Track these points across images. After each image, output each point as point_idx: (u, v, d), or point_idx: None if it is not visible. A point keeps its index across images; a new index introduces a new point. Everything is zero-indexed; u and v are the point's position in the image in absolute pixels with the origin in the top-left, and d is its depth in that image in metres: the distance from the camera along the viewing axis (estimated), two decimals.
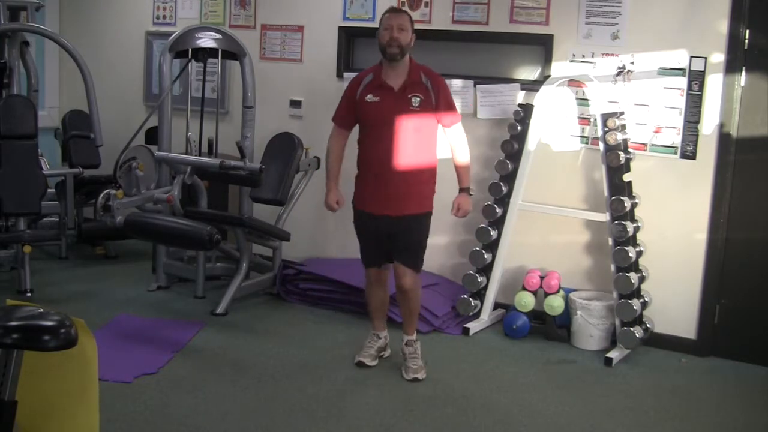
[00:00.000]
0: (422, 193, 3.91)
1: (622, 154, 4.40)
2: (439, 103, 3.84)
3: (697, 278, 4.50)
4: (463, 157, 3.97)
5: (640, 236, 4.56)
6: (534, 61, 4.94)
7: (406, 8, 5.13)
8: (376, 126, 3.83)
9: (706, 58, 4.37)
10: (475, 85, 5.00)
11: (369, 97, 3.83)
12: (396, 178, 3.83)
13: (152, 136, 5.41)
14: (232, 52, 5.23)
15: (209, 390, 3.73)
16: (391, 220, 3.86)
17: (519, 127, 4.77)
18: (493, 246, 4.83)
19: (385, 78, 3.82)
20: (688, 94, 4.43)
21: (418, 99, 3.79)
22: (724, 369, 4.37)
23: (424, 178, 3.90)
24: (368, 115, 3.85)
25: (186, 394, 3.67)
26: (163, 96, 5.12)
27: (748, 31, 4.29)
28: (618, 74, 4.59)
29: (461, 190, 3.99)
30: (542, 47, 4.83)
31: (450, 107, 3.92)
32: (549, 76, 4.74)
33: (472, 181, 4.98)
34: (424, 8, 5.14)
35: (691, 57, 4.40)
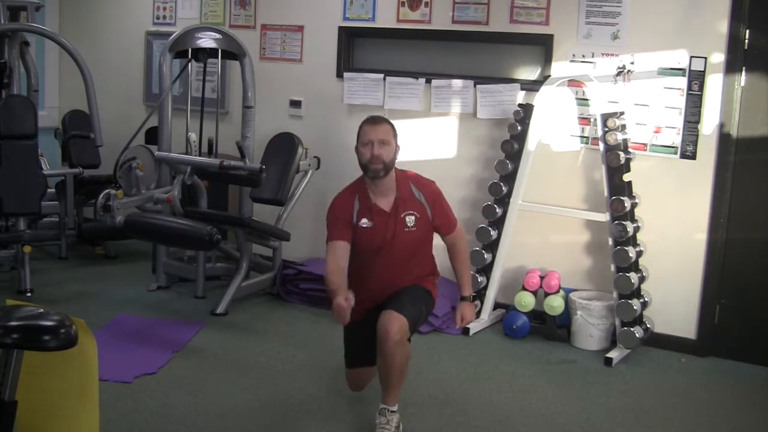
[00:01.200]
0: (425, 280, 3.54)
1: (622, 154, 4.40)
2: (435, 215, 3.45)
3: (697, 278, 4.50)
4: (464, 264, 3.61)
5: (640, 236, 4.56)
6: (534, 61, 4.94)
7: (406, 7, 5.14)
8: (368, 251, 3.41)
9: (706, 58, 4.37)
10: (475, 85, 5.00)
11: (364, 222, 3.38)
12: (391, 294, 3.39)
13: (152, 136, 5.42)
14: (232, 52, 5.23)
15: (209, 390, 3.73)
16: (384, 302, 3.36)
17: (519, 127, 4.77)
18: (493, 246, 4.83)
19: (374, 199, 3.39)
20: (688, 94, 4.43)
21: (413, 218, 3.39)
22: (724, 369, 4.37)
23: (428, 280, 3.55)
24: (362, 240, 3.40)
25: (186, 394, 3.67)
26: (163, 96, 5.12)
27: (748, 31, 4.29)
28: (618, 74, 4.60)
29: (463, 298, 3.57)
30: (542, 47, 4.83)
31: (447, 216, 3.52)
32: (549, 76, 4.74)
33: (472, 181, 5.02)
34: (424, 8, 5.14)
35: (691, 57, 4.40)
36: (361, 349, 3.46)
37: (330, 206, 3.51)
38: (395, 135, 3.41)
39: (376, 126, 3.38)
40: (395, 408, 3.30)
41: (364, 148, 3.35)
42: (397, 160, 3.41)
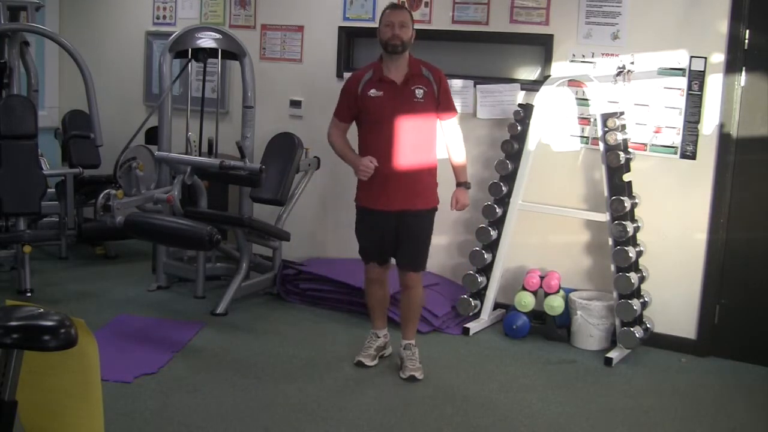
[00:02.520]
0: (429, 187, 3.93)
1: (622, 154, 4.40)
2: (440, 95, 3.88)
3: (697, 278, 4.50)
4: (460, 151, 4.01)
5: (640, 236, 4.56)
6: (534, 61, 4.94)
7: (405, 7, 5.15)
8: (380, 121, 3.83)
9: (706, 58, 4.37)
10: (475, 85, 5.00)
11: (372, 92, 3.83)
12: (403, 172, 3.82)
13: (152, 136, 5.41)
14: (232, 52, 5.23)
15: (209, 390, 3.73)
16: (399, 215, 3.86)
17: (519, 127, 4.77)
18: (493, 246, 4.83)
19: (387, 72, 3.84)
20: (688, 94, 4.43)
21: (422, 91, 3.82)
22: (724, 369, 4.37)
23: (428, 170, 3.91)
24: (372, 110, 3.84)
25: (186, 394, 3.67)
26: (163, 96, 5.12)
27: (748, 31, 4.29)
28: (618, 74, 4.59)
29: (459, 184, 4.01)
30: (542, 47, 4.83)
31: (449, 101, 3.95)
32: (549, 76, 4.74)
33: (472, 181, 5.00)
34: (424, 8, 5.14)
35: (691, 57, 4.40)
36: (375, 249, 3.96)
37: (347, 79, 4.01)
38: (413, 21, 3.87)
39: (397, 11, 3.88)
40: (413, 341, 4.04)
41: (386, 28, 3.80)
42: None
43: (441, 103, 3.90)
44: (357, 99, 3.87)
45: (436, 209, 3.99)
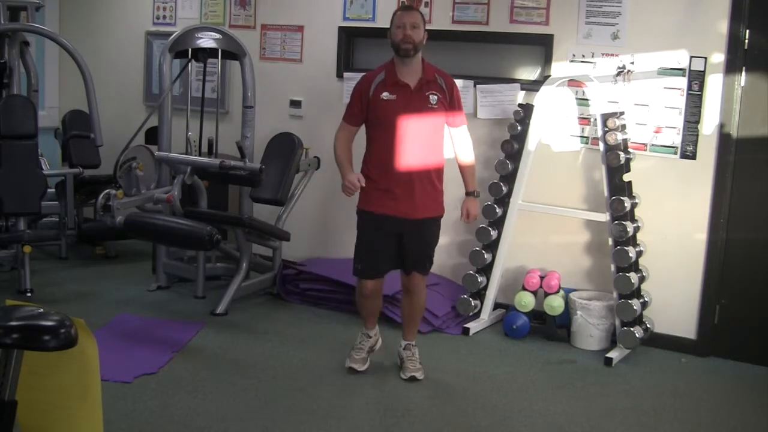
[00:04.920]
0: (437, 194, 3.85)
1: (622, 154, 4.40)
2: (452, 102, 3.82)
3: (697, 278, 4.50)
4: (469, 159, 3.95)
5: (640, 236, 4.56)
6: (534, 61, 4.94)
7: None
8: (391, 125, 3.73)
9: (706, 58, 4.37)
10: (475, 85, 5.00)
11: (385, 95, 3.73)
12: (413, 178, 3.74)
13: (152, 136, 5.41)
14: (232, 52, 5.23)
15: (209, 390, 3.73)
16: (406, 222, 3.77)
17: (519, 127, 4.77)
18: (493, 246, 4.83)
19: (400, 76, 3.75)
20: (688, 94, 4.43)
21: (436, 97, 3.75)
22: (724, 369, 4.37)
23: (437, 178, 3.84)
24: (384, 113, 3.74)
25: (186, 394, 3.67)
26: (163, 96, 5.12)
27: (748, 31, 4.29)
28: (618, 74, 4.59)
29: (468, 193, 3.96)
30: (542, 47, 4.83)
31: (460, 108, 3.90)
32: (549, 76, 4.74)
33: None
34: (424, 8, 5.13)
35: (691, 57, 4.40)
36: (376, 259, 3.85)
37: (359, 80, 3.89)
38: (424, 23, 3.79)
39: (408, 12, 3.80)
40: (414, 341, 4.00)
41: (398, 30, 3.72)
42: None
43: (453, 111, 3.83)
44: (369, 101, 3.77)
45: (441, 218, 3.92)
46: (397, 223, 3.77)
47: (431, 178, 3.80)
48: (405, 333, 4.03)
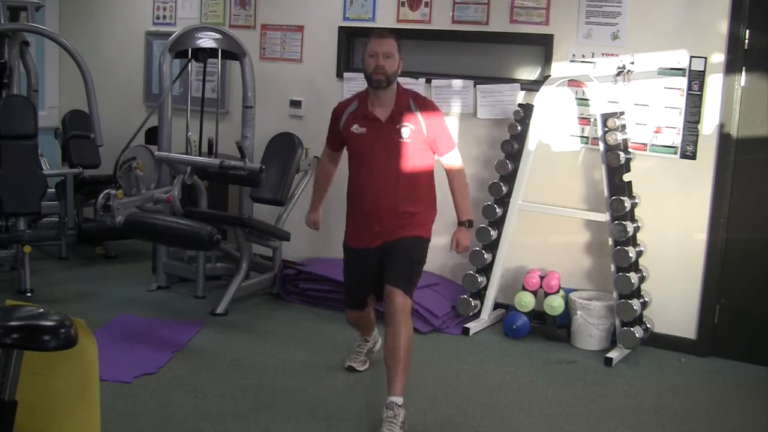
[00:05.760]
0: (417, 222, 3.59)
1: (622, 154, 4.40)
2: (429, 131, 3.54)
3: (697, 278, 4.50)
4: (460, 188, 3.67)
5: (640, 236, 4.56)
6: (534, 61, 4.94)
7: (406, 7, 5.16)
8: (363, 158, 3.59)
9: (706, 58, 4.37)
10: (475, 85, 5.00)
11: (355, 128, 3.57)
12: (388, 212, 3.54)
13: (152, 136, 5.42)
14: (232, 52, 5.23)
15: (209, 390, 3.73)
16: (382, 247, 3.57)
17: (519, 127, 4.77)
18: (493, 246, 4.83)
19: (372, 108, 3.55)
20: (688, 94, 4.43)
21: (408, 129, 3.51)
22: (724, 369, 4.37)
23: (420, 208, 3.61)
24: (355, 146, 3.61)
25: (186, 394, 3.67)
26: (163, 96, 5.12)
27: (748, 31, 4.29)
28: (618, 74, 4.59)
29: (460, 223, 3.67)
30: (542, 47, 4.83)
31: (443, 134, 3.61)
32: (549, 76, 4.74)
33: (473, 180, 5.01)
34: (424, 8, 5.14)
35: (691, 57, 4.40)
36: (357, 288, 3.74)
37: (334, 108, 3.76)
38: (399, 49, 3.56)
39: (382, 40, 3.54)
40: (401, 402, 3.31)
41: (370, 59, 3.50)
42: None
43: (434, 139, 3.57)
44: (340, 133, 3.65)
45: (427, 240, 3.64)
46: (378, 251, 3.59)
47: (413, 209, 3.57)
48: (388, 385, 3.36)
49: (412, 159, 3.55)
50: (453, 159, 3.66)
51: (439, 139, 3.60)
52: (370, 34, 3.61)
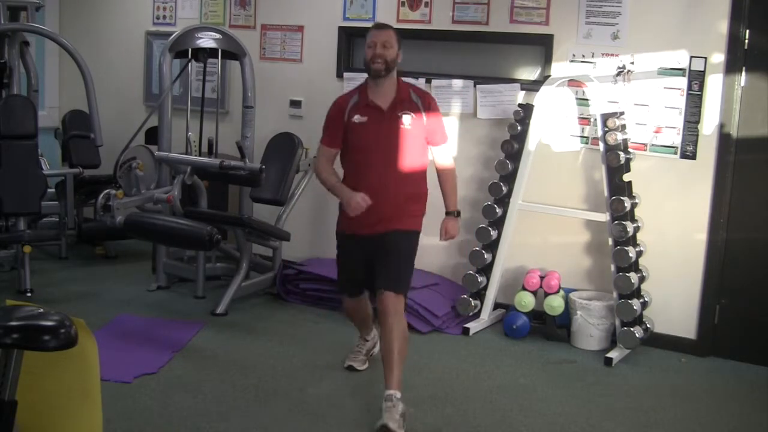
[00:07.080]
0: (411, 213, 3.66)
1: (622, 154, 4.40)
2: (429, 120, 3.65)
3: (697, 278, 4.50)
4: (449, 178, 3.76)
5: (640, 236, 4.56)
6: (534, 61, 4.94)
7: (406, 7, 5.16)
8: (365, 148, 3.62)
9: (706, 58, 4.37)
10: (475, 85, 5.00)
11: (357, 118, 3.61)
12: (386, 200, 3.58)
13: (152, 136, 5.42)
14: (232, 52, 5.24)
15: (209, 390, 3.73)
16: (376, 237, 3.60)
17: (519, 127, 4.77)
18: (493, 246, 4.83)
19: (373, 97, 3.62)
20: (688, 94, 4.43)
21: (409, 117, 3.60)
22: (724, 369, 4.37)
23: (415, 198, 3.68)
24: (356, 136, 3.63)
25: (186, 394, 3.67)
26: (163, 96, 5.12)
27: (748, 31, 4.29)
28: (618, 74, 4.59)
29: (448, 213, 3.76)
30: (542, 47, 4.83)
31: (439, 127, 3.72)
32: (549, 76, 4.74)
33: (473, 180, 5.03)
34: (424, 8, 5.14)
35: (691, 57, 4.40)
36: (351, 276, 3.75)
37: (331, 104, 3.76)
38: (398, 41, 3.64)
39: (380, 31, 3.65)
40: (399, 395, 3.37)
41: (368, 49, 3.59)
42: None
43: (431, 131, 3.67)
44: (344, 124, 3.65)
45: (418, 233, 3.69)
46: (372, 240, 3.61)
47: (409, 198, 3.64)
48: (386, 379, 3.43)
49: (413, 147, 3.64)
50: (445, 151, 3.79)
51: (435, 131, 3.72)
52: (370, 28, 3.72)
